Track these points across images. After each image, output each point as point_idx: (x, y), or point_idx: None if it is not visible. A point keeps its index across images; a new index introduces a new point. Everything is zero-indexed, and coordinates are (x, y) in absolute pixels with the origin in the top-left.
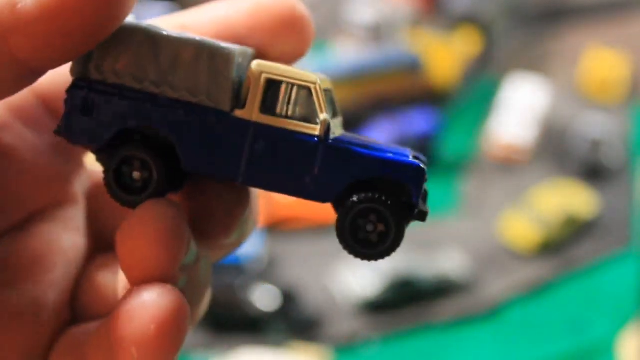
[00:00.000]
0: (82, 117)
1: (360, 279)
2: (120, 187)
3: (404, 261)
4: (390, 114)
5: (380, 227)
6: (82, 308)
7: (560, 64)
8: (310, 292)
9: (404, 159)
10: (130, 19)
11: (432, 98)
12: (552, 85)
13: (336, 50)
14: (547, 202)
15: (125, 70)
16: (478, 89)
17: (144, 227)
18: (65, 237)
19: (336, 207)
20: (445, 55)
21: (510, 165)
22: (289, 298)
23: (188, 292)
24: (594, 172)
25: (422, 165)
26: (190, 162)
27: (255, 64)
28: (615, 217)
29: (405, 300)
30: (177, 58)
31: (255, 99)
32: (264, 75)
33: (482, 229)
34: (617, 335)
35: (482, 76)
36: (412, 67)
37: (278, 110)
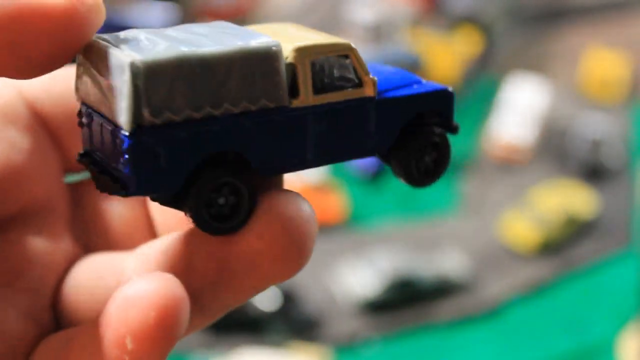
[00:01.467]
0: (151, 169)
1: (361, 279)
2: (213, 218)
3: (404, 261)
4: None
5: (434, 156)
6: (66, 313)
7: (560, 64)
8: (310, 292)
9: (434, 86)
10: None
11: None
12: (552, 85)
13: None
14: (547, 202)
15: (183, 104)
16: (478, 89)
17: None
18: (40, 242)
19: (392, 155)
20: (445, 55)
21: (510, 165)
22: (289, 298)
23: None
24: (594, 172)
25: (449, 89)
26: (264, 166)
27: (296, 49)
28: (615, 217)
29: (405, 300)
30: (229, 72)
31: (306, 83)
32: (307, 59)
33: (482, 229)
34: (617, 335)
35: (482, 76)
36: (412, 67)
37: (328, 85)
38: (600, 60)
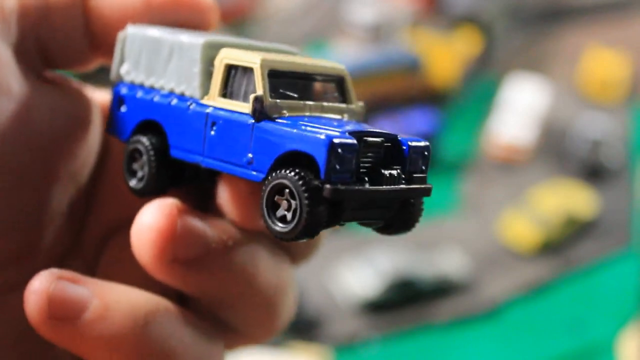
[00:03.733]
0: (119, 115)
1: (361, 279)
2: (129, 172)
3: (404, 261)
4: (390, 114)
5: (293, 204)
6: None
7: (560, 64)
8: (310, 292)
9: (316, 133)
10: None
11: (432, 98)
12: (552, 85)
13: (336, 51)
14: (547, 202)
15: (142, 70)
16: (478, 89)
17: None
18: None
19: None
20: (445, 55)
21: (510, 165)
22: None
23: (225, 279)
24: (594, 172)
25: (335, 139)
26: (175, 145)
27: (221, 51)
28: (615, 217)
29: (405, 300)
30: (170, 55)
31: (216, 84)
32: (223, 61)
33: (482, 229)
34: (617, 335)
35: (482, 76)
36: (412, 67)
37: (233, 93)
38: (600, 61)
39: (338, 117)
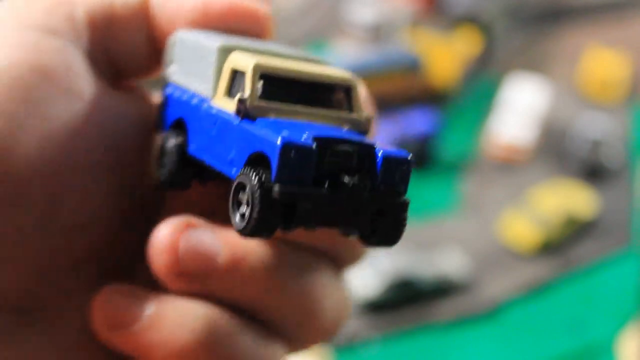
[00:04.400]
0: (163, 111)
1: (361, 279)
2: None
3: (404, 261)
4: (390, 114)
5: (249, 202)
6: None
7: (560, 64)
8: None
9: (275, 134)
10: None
11: (432, 98)
12: (552, 85)
13: (336, 51)
14: (547, 202)
15: (181, 71)
16: (478, 89)
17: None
18: None
19: None
20: (445, 55)
21: (510, 165)
22: None
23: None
24: (594, 172)
25: (288, 141)
26: (193, 144)
27: (230, 55)
28: (615, 217)
29: (405, 300)
30: (200, 58)
31: (222, 86)
32: (229, 65)
33: (482, 229)
34: (617, 335)
35: (482, 76)
36: (412, 67)
37: (234, 95)
38: (600, 61)
39: (333, 124)
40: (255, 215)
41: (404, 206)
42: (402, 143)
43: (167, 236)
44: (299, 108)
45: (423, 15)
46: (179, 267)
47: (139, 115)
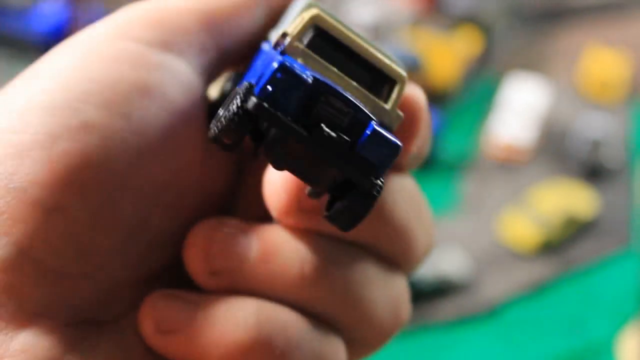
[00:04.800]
0: None
1: None
2: None
3: None
4: None
5: None
6: None
7: (560, 64)
8: None
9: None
10: None
11: (432, 98)
12: (552, 85)
13: None
14: (547, 202)
15: None
16: (478, 89)
17: None
18: None
19: None
20: (445, 55)
21: (510, 165)
22: None
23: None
24: (594, 172)
25: (286, 64)
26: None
27: (311, 8)
28: (615, 217)
29: None
30: (289, 12)
31: (293, 30)
32: (306, 16)
33: (482, 229)
34: (617, 335)
35: (482, 76)
36: (412, 67)
37: None
38: (600, 60)
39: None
40: (226, 118)
41: (373, 185)
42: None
43: (198, 235)
44: (336, 72)
45: (423, 15)
46: (210, 265)
47: None
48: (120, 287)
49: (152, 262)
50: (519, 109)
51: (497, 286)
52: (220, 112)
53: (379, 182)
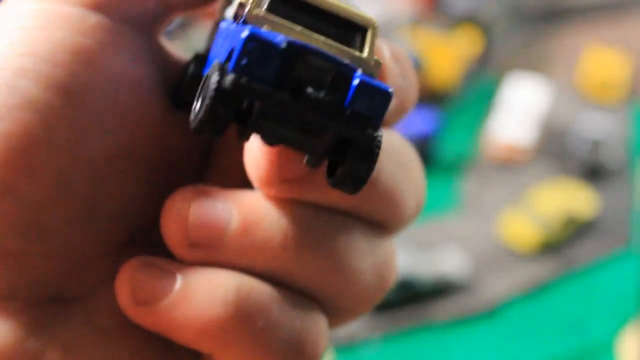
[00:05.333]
0: None
1: None
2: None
3: (404, 261)
4: None
5: None
6: None
7: (560, 64)
8: None
9: (246, 29)
10: None
11: (432, 98)
12: (552, 85)
13: None
14: (547, 202)
15: None
16: (478, 89)
17: None
18: None
19: None
20: (445, 55)
21: (510, 165)
22: None
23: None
24: (594, 172)
25: (255, 34)
26: (206, 68)
27: None
28: (615, 217)
29: (405, 300)
30: None
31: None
32: None
33: (482, 229)
34: (617, 335)
35: (482, 76)
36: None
37: None
38: (600, 61)
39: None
40: (206, 105)
41: (372, 139)
42: None
43: (175, 205)
44: (303, 30)
45: (423, 15)
46: (189, 237)
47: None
48: (85, 262)
49: (118, 233)
50: (519, 109)
51: (497, 286)
52: (197, 102)
53: (377, 135)
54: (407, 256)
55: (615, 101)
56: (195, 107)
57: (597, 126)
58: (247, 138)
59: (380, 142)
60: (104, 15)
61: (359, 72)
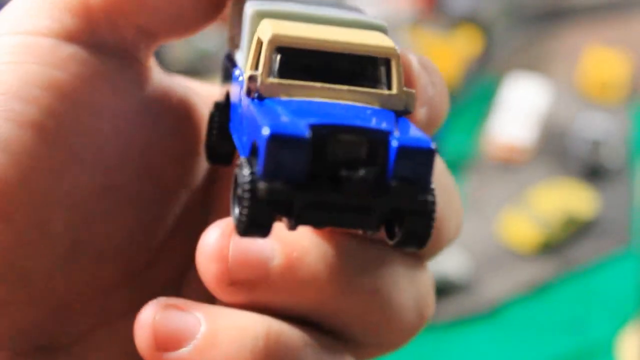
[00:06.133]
0: None
1: None
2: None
3: None
4: None
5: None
6: None
7: (560, 64)
8: None
9: (265, 123)
10: None
11: None
12: (552, 85)
13: None
14: (547, 202)
15: None
16: (478, 89)
17: None
18: None
19: None
20: (445, 55)
21: (510, 165)
22: None
23: None
24: (594, 172)
25: (276, 132)
26: (230, 124)
27: (261, 22)
28: (615, 217)
29: None
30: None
31: (250, 57)
32: (257, 34)
33: (482, 229)
34: (617, 335)
35: (482, 76)
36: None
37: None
38: (600, 60)
39: (361, 104)
40: (245, 214)
41: (425, 204)
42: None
43: (215, 241)
44: (322, 85)
45: (423, 15)
46: (230, 276)
47: (177, 113)
48: (72, 307)
49: (106, 275)
50: (519, 109)
51: (497, 286)
52: (234, 206)
53: (428, 197)
54: None
55: (615, 101)
56: (234, 212)
57: (597, 126)
58: (295, 229)
59: (433, 202)
60: (79, 46)
61: (395, 134)
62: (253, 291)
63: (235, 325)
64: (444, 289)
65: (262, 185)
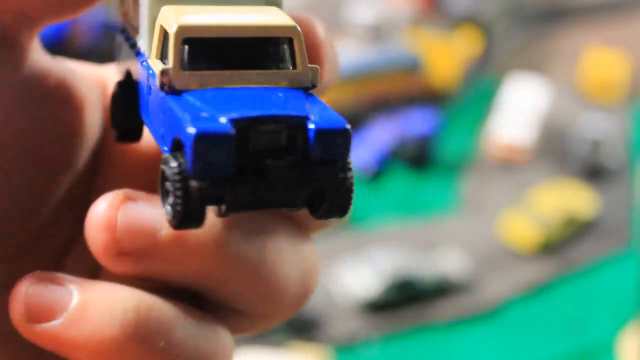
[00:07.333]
0: None
1: (360, 279)
2: None
3: (404, 261)
4: (390, 114)
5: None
6: None
7: (560, 64)
8: None
9: (189, 121)
10: None
11: (432, 98)
12: (552, 86)
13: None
14: (547, 202)
15: None
16: (478, 89)
17: None
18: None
19: None
20: (445, 55)
21: (510, 165)
22: None
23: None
24: (594, 172)
25: (202, 131)
26: (141, 105)
27: (162, 9)
28: (615, 217)
29: (405, 300)
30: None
31: (154, 45)
32: (159, 22)
33: (482, 229)
34: (617, 335)
35: (482, 76)
36: (412, 67)
37: (165, 57)
38: (600, 60)
39: (271, 86)
40: (179, 210)
41: (344, 181)
42: (402, 143)
43: (103, 212)
44: (232, 72)
45: (423, 15)
46: (118, 245)
47: (64, 94)
48: None
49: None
50: (519, 109)
51: (497, 286)
52: (165, 201)
53: (348, 174)
54: (407, 256)
55: (615, 101)
56: (167, 207)
57: (597, 126)
58: (225, 216)
59: (351, 178)
60: None
61: (311, 117)
62: (141, 261)
63: (107, 298)
64: (445, 289)
65: (193, 183)
